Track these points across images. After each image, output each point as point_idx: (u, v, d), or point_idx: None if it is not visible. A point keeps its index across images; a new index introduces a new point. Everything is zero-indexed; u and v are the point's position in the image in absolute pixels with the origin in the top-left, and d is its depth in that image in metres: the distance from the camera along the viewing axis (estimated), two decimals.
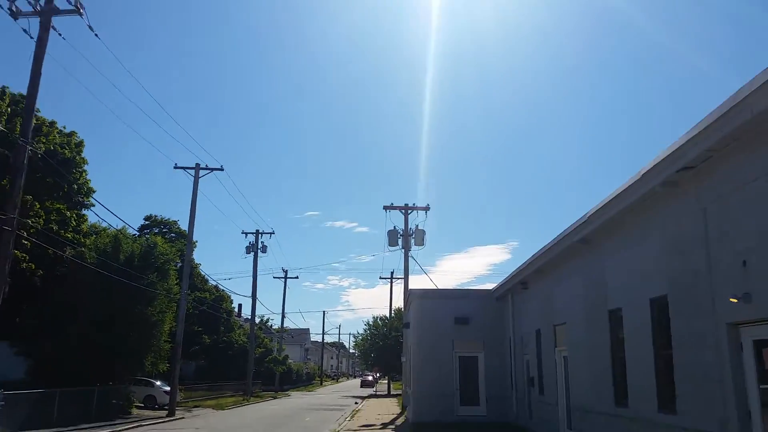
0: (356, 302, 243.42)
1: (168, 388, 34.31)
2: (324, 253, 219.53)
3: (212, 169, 32.58)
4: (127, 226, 32.24)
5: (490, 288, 24.41)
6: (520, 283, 19.75)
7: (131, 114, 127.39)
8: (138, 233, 34.54)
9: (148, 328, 31.61)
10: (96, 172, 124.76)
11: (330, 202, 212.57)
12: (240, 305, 74.52)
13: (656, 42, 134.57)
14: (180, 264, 34.51)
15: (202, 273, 56.60)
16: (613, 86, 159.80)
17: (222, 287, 76.62)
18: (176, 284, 33.57)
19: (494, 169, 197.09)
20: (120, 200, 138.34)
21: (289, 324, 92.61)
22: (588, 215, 12.43)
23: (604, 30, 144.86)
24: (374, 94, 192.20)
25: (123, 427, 24.72)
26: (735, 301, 7.95)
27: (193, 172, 32.18)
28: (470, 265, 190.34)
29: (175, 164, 32.53)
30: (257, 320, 74.84)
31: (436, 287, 30.03)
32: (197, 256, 61.59)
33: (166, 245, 33.69)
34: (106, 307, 30.51)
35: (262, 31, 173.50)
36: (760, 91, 6.79)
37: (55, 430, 22.24)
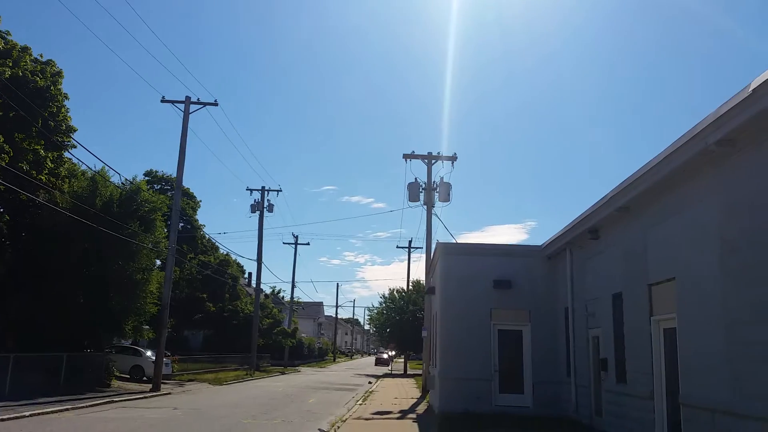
0: (373, 280, 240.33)
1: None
2: (341, 227, 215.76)
3: (204, 104, 27.76)
4: (107, 167, 27.68)
5: (539, 245, 19.29)
6: (588, 231, 14.65)
7: (124, 47, 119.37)
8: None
9: (129, 287, 27.32)
10: (81, 115, 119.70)
11: (347, 176, 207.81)
12: (250, 274, 70.24)
13: (684, 7, 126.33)
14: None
15: (207, 236, 52.38)
16: (639, 59, 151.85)
17: (228, 251, 72.59)
18: (165, 238, 29.12)
19: (514, 146, 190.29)
20: (111, 149, 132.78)
21: (302, 297, 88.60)
22: (756, 85, 7.26)
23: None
24: (394, 64, 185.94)
25: (89, 403, 20.30)
26: None
27: (182, 107, 27.39)
28: None
29: (163, 97, 27.84)
30: (268, 290, 70.83)
31: None
32: (201, 217, 57.16)
33: (151, 192, 29.24)
34: (82, 261, 26.33)
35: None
36: None
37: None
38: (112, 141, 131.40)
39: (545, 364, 18.18)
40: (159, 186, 52.02)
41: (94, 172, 27.90)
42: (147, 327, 35.89)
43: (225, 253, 57.88)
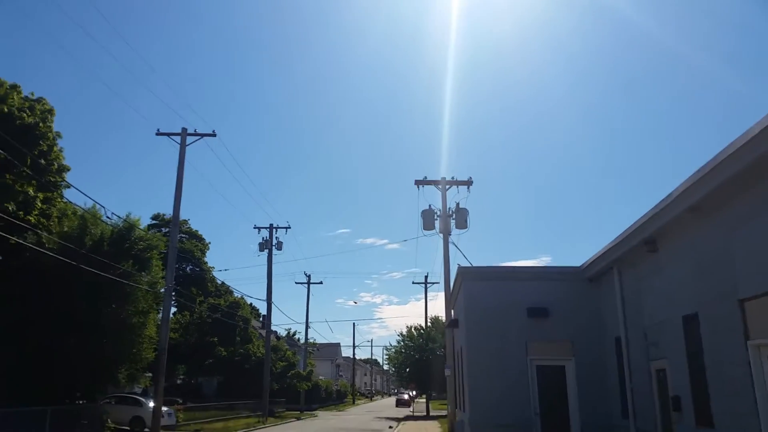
0: (390, 317, 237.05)
1: (164, 408, 27.56)
2: (357, 267, 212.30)
3: (202, 135, 25.75)
4: (98, 206, 25.76)
5: (577, 266, 16.76)
6: (644, 243, 12.22)
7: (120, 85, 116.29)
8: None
9: (125, 332, 25.14)
10: (83, 158, 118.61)
11: (360, 219, 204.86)
12: (263, 316, 67.78)
13: (668, 48, 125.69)
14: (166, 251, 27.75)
15: (219, 280, 50.32)
16: (629, 96, 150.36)
17: (240, 293, 70.32)
18: (162, 278, 26.98)
19: (523, 181, 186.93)
20: (118, 193, 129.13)
21: (319, 339, 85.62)
22: None
23: (618, 37, 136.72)
24: (396, 101, 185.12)
25: None
26: None
27: (179, 139, 25.41)
28: None
29: (158, 130, 25.87)
30: (283, 332, 68.11)
31: None
32: (211, 259, 55.25)
33: (146, 230, 27.23)
34: (73, 305, 24.23)
35: (273, 39, 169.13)
36: None
37: None
38: (116, 184, 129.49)
39: (595, 405, 15.50)
40: (167, 229, 50.33)
41: (85, 210, 26.10)
42: (149, 374, 33.55)
43: (239, 296, 56.01)
